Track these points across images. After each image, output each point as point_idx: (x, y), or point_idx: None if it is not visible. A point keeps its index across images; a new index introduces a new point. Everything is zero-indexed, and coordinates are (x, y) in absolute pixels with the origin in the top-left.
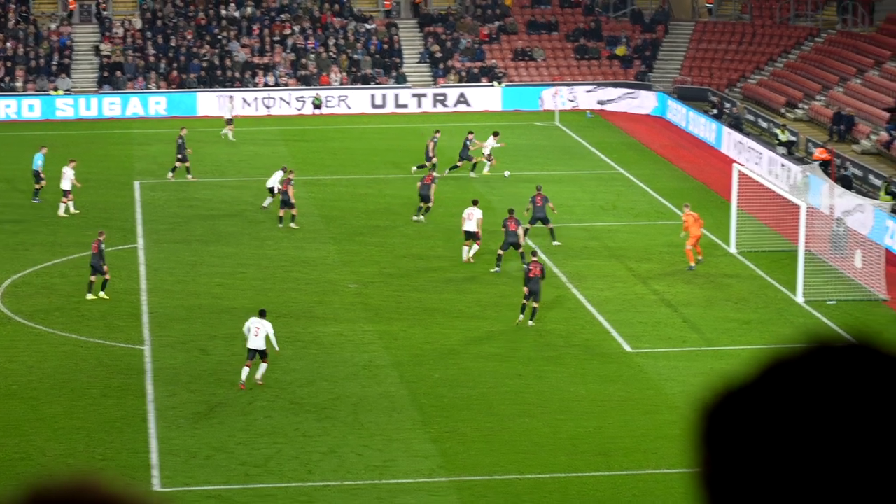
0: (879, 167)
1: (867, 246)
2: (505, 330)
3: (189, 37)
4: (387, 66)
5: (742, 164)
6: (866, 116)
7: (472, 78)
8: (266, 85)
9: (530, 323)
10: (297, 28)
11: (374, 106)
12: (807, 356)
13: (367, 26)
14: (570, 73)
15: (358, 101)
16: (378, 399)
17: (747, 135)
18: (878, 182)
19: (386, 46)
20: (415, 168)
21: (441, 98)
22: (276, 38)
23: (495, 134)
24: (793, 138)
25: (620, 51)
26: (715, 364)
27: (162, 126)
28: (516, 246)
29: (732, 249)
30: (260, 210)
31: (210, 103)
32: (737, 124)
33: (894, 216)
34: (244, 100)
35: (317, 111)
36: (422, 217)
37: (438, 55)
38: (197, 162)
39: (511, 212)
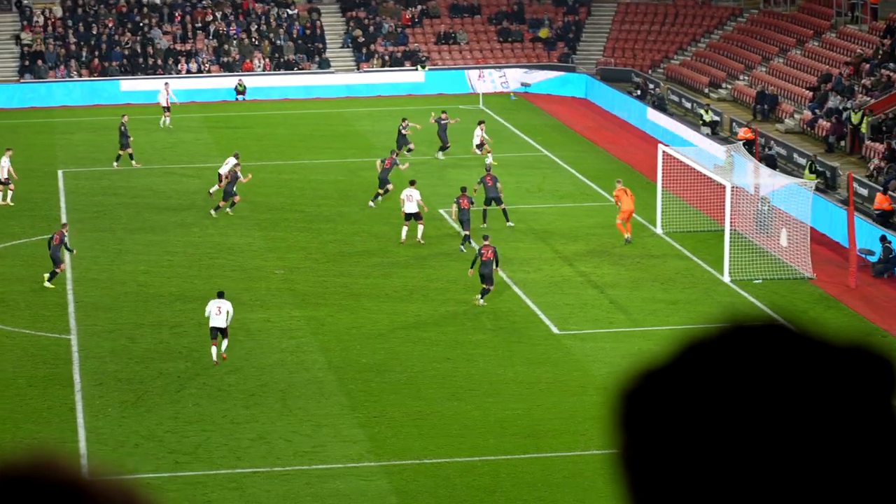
0: (803, 146)
1: (792, 225)
2: (433, 313)
3: (110, 24)
4: (310, 51)
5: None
6: (790, 95)
7: (395, 62)
8: (189, 72)
9: (481, 302)
10: (218, 14)
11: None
12: (723, 337)
13: (290, 11)
14: (494, 56)
15: (282, 86)
16: (306, 385)
17: (671, 115)
18: (802, 161)
19: (308, 32)
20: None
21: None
22: (198, 25)
23: (481, 123)
24: (717, 118)
25: (543, 33)
26: (642, 345)
27: (84, 114)
28: (465, 224)
29: (658, 230)
30: (207, 195)
31: (133, 90)
32: (661, 105)
33: (819, 195)
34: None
35: (240, 98)
36: (375, 202)
37: (361, 40)
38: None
39: (463, 189)
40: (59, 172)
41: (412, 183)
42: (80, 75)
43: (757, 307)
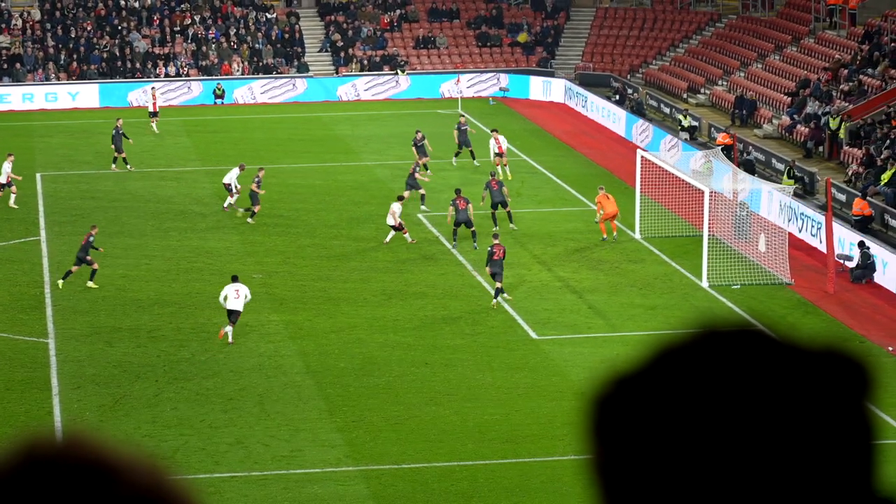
0: (782, 151)
1: (771, 230)
2: (411, 318)
3: (89, 28)
4: (288, 55)
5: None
6: (768, 101)
7: (374, 66)
8: (167, 75)
9: (493, 302)
10: (197, 18)
11: (276, 95)
12: (695, 342)
13: (268, 15)
14: (473, 61)
15: (260, 90)
16: (284, 389)
17: (650, 120)
18: (780, 166)
19: (287, 36)
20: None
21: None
22: (177, 29)
23: (494, 131)
24: (695, 123)
25: (522, 38)
26: (620, 350)
27: (63, 118)
28: (468, 224)
29: (637, 235)
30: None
31: (111, 94)
32: (639, 110)
33: (797, 200)
34: (143, 91)
35: (219, 101)
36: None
37: (340, 44)
38: (100, 154)
39: (458, 191)
40: (38, 176)
41: (399, 199)
42: (59, 78)
43: (735, 312)
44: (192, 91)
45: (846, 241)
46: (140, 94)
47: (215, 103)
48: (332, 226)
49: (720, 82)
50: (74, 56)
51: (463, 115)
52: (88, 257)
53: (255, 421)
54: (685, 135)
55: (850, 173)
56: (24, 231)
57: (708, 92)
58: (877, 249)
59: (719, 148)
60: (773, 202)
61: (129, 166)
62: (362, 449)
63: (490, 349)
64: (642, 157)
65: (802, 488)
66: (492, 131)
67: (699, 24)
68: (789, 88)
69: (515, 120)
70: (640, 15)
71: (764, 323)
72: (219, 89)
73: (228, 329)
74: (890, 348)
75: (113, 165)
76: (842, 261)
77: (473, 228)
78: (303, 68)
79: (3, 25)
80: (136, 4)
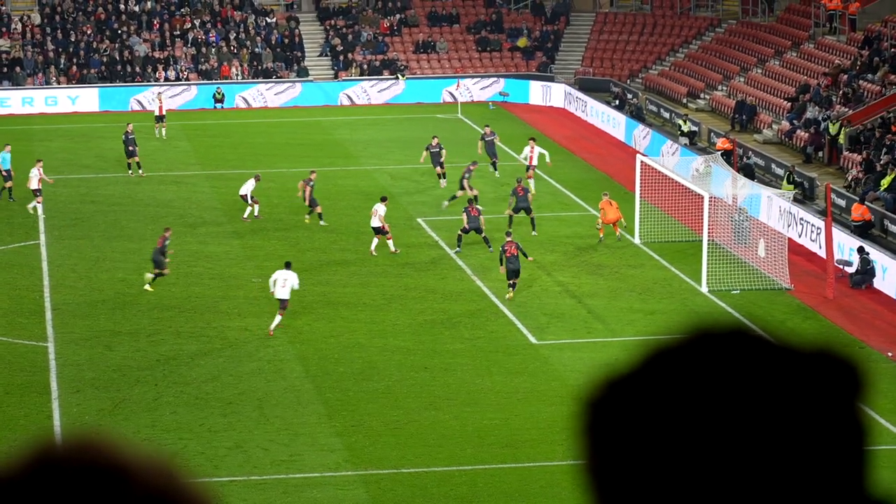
0: (781, 156)
1: (770, 235)
2: (410, 323)
3: (89, 32)
4: (288, 59)
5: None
6: (768, 106)
7: (373, 71)
8: (167, 79)
9: (508, 295)
10: (197, 22)
11: (275, 100)
12: (687, 344)
13: (268, 20)
14: (472, 66)
15: (259, 94)
16: (283, 393)
17: (650, 125)
18: (780, 171)
19: (287, 40)
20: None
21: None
22: (177, 33)
23: (532, 140)
24: (695, 128)
25: (522, 42)
26: (620, 355)
27: (63, 122)
28: (478, 230)
29: (636, 240)
30: (243, 221)
31: (111, 98)
32: (639, 115)
33: (797, 205)
34: (145, 96)
35: (218, 106)
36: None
37: (340, 48)
38: (99, 158)
39: (470, 201)
40: (11, 176)
41: (383, 199)
42: (59, 82)
43: (734, 317)
44: (191, 91)
45: (846, 246)
46: (152, 97)
47: (215, 107)
48: (331, 230)
49: (720, 87)
50: (74, 60)
51: (487, 126)
52: (167, 260)
53: (255, 425)
54: (685, 140)
55: (849, 178)
56: (23, 235)
57: (708, 97)
58: (876, 255)
59: (719, 153)
60: (772, 207)
61: (140, 171)
62: (361, 453)
63: (489, 354)
64: (642, 161)
65: (794, 489)
66: (529, 139)
67: (699, 29)
68: (789, 94)
69: (515, 125)
70: (640, 20)
71: (763, 328)
72: (218, 93)
73: (277, 319)
74: (889, 354)
75: (130, 171)
76: (841, 266)
77: (484, 234)
78: (302, 73)
79: (3, 29)
80: (136, 8)
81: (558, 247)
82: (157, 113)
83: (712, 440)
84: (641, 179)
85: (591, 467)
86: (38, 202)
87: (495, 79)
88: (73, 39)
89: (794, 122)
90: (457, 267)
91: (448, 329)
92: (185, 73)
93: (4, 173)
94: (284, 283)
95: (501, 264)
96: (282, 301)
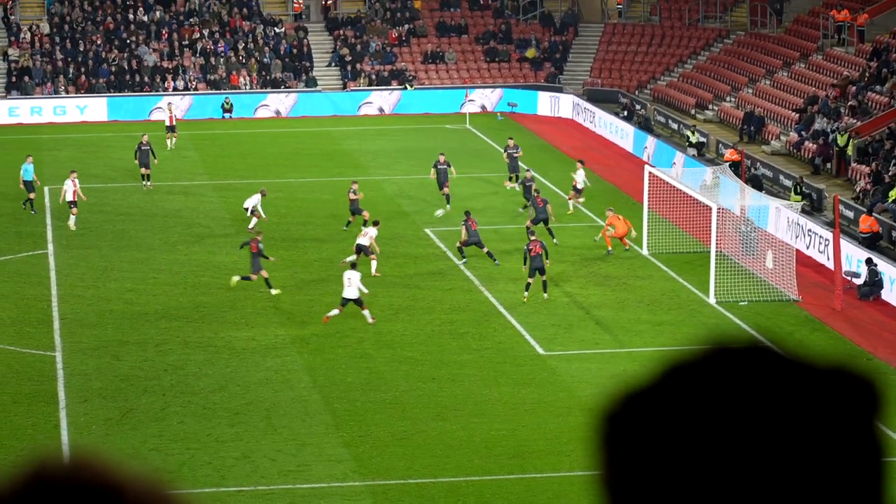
0: (789, 168)
1: (778, 246)
2: (418, 333)
3: (98, 41)
4: (297, 69)
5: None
6: (776, 117)
7: (382, 81)
8: (175, 89)
9: (545, 296)
10: (206, 32)
11: (284, 109)
12: (704, 359)
13: (277, 30)
14: (481, 76)
15: (268, 104)
16: (291, 403)
17: (658, 136)
18: (788, 183)
19: (295, 50)
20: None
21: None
22: (185, 43)
23: (581, 162)
24: (703, 139)
25: (530, 53)
26: (628, 366)
27: (71, 131)
28: (480, 245)
29: (644, 251)
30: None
31: (119, 107)
32: (647, 126)
33: (804, 216)
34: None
35: (227, 115)
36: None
37: (348, 58)
38: (108, 168)
39: (468, 213)
40: (46, 189)
41: (375, 223)
42: (67, 92)
43: (742, 329)
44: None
45: (854, 257)
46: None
47: (223, 117)
48: (339, 241)
49: (728, 98)
50: (83, 69)
51: (511, 138)
52: (260, 263)
53: (262, 435)
54: (693, 151)
55: (857, 190)
56: (31, 244)
57: (716, 108)
58: (884, 266)
59: (727, 164)
60: (780, 219)
61: (149, 183)
62: (369, 464)
63: (497, 364)
64: (650, 172)
65: None
66: (578, 161)
67: (707, 40)
68: (797, 105)
69: (523, 135)
70: (649, 31)
71: (771, 340)
72: (227, 103)
73: (335, 312)
74: None
75: (144, 182)
76: (849, 277)
77: (486, 249)
78: (311, 83)
79: (13, 39)
80: (145, 18)
81: (566, 257)
82: (167, 123)
83: (730, 457)
84: (650, 190)
85: (607, 481)
86: (73, 214)
87: (492, 89)
88: (81, 49)
89: (803, 133)
90: (464, 277)
91: (455, 340)
92: (194, 82)
93: (25, 185)
94: (349, 281)
95: (525, 264)
96: (350, 300)
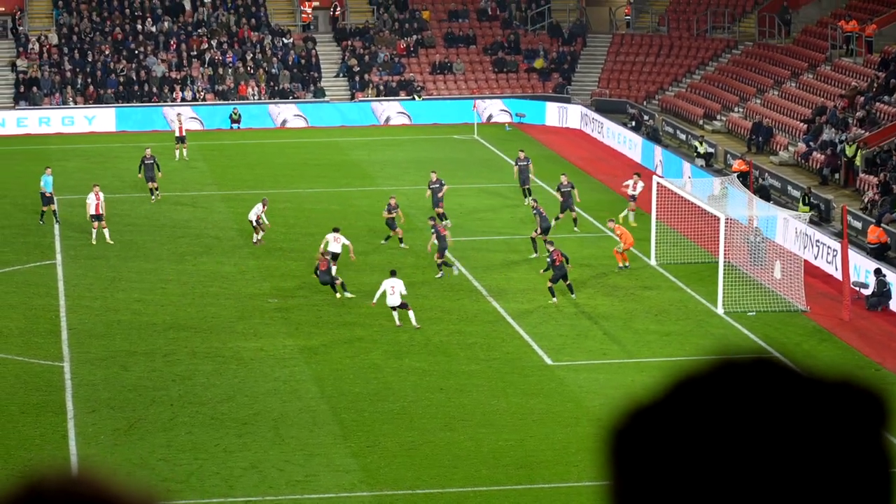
0: (798, 178)
1: (786, 257)
2: (426, 343)
3: (106, 52)
4: (305, 80)
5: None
6: (784, 128)
7: (390, 91)
8: (184, 100)
9: (573, 296)
10: (214, 42)
11: (292, 119)
12: (712, 373)
13: (285, 40)
14: (489, 87)
15: (276, 114)
16: (299, 414)
17: (666, 147)
18: (796, 193)
19: (304, 61)
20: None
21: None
22: (194, 53)
23: (638, 175)
24: (711, 150)
25: (538, 64)
26: (636, 376)
27: (80, 141)
28: (441, 252)
29: (652, 262)
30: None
31: (128, 118)
32: (655, 136)
33: (812, 227)
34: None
35: (235, 126)
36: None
37: (356, 69)
38: (116, 178)
39: (433, 218)
40: (54, 199)
41: (336, 229)
42: (76, 102)
43: (750, 339)
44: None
45: (862, 268)
46: (173, 117)
47: (231, 128)
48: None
49: (736, 109)
50: (91, 80)
51: (522, 151)
52: (332, 277)
53: (270, 445)
54: (701, 161)
55: (865, 200)
56: (39, 255)
57: (724, 118)
58: (893, 277)
59: (735, 175)
60: (788, 229)
61: (153, 196)
62: (377, 474)
63: (505, 375)
64: (658, 183)
65: None
66: (634, 174)
67: (715, 50)
68: (805, 115)
69: (531, 146)
70: (657, 41)
71: (779, 350)
72: (235, 114)
73: (411, 314)
74: None
75: (152, 196)
76: (857, 288)
77: (443, 260)
78: (319, 93)
79: (21, 49)
80: (154, 29)
81: (574, 268)
82: (177, 134)
83: (738, 471)
84: (658, 201)
85: (616, 496)
86: (104, 228)
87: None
88: (90, 59)
89: (811, 144)
90: (472, 288)
91: (463, 350)
92: (202, 93)
93: (48, 195)
94: (393, 289)
95: (546, 269)
96: (397, 307)
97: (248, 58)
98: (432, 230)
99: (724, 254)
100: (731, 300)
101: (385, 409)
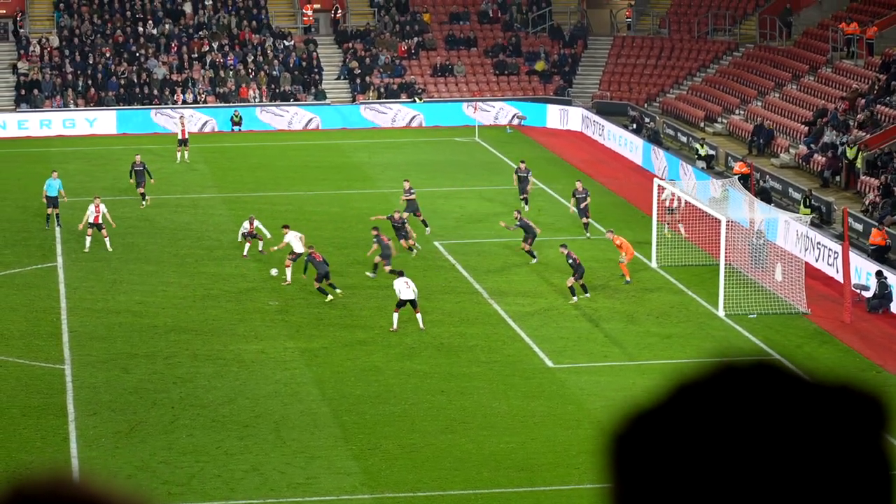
0: (799, 181)
1: (787, 259)
2: (427, 346)
3: (107, 54)
4: (306, 82)
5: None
6: (785, 130)
7: (391, 94)
8: (185, 102)
9: (587, 295)
10: (215, 45)
11: (292, 122)
12: (712, 377)
13: (286, 43)
14: (490, 89)
15: (277, 117)
16: (300, 416)
17: (667, 149)
18: (797, 195)
19: (305, 63)
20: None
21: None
22: (195, 55)
23: (673, 182)
24: (712, 152)
25: (539, 66)
26: (637, 379)
27: (81, 144)
28: (386, 259)
29: (653, 264)
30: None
31: (129, 120)
32: (656, 139)
33: (814, 229)
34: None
35: (236, 128)
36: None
37: (357, 71)
38: (117, 181)
39: (376, 228)
40: (57, 202)
41: (285, 227)
42: (77, 105)
43: (751, 342)
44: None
45: (863, 270)
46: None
47: (233, 130)
48: (347, 253)
49: (737, 111)
50: (92, 82)
51: (523, 161)
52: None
53: (271, 448)
54: (702, 164)
55: (866, 203)
56: (41, 257)
57: (725, 121)
58: (894, 279)
59: (736, 177)
60: (789, 231)
61: (146, 201)
62: (378, 477)
63: (506, 377)
64: (659, 185)
65: None
66: (666, 185)
67: (717, 53)
68: (806, 118)
69: (532, 148)
70: (658, 44)
71: (780, 353)
72: (236, 116)
73: (396, 316)
74: None
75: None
76: (858, 290)
77: (378, 261)
78: (320, 95)
79: (22, 52)
80: (155, 31)
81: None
82: (179, 136)
83: (738, 474)
84: (659, 203)
85: (617, 499)
86: (105, 237)
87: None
88: (91, 62)
89: (812, 146)
90: (473, 290)
91: (465, 352)
92: (203, 95)
93: (52, 198)
94: (407, 285)
95: (574, 273)
96: (408, 301)
97: (250, 60)
98: (374, 240)
99: (725, 256)
100: (731, 302)
101: (386, 411)
